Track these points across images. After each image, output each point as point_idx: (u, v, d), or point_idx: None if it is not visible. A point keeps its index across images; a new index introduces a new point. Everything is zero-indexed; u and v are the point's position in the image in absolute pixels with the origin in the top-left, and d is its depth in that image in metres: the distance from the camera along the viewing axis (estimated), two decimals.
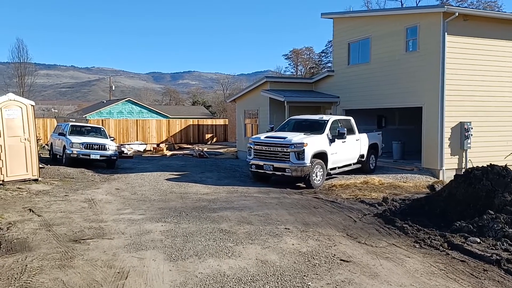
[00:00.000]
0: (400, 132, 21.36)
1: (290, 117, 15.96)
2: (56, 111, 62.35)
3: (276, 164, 13.47)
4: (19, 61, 38.45)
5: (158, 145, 32.56)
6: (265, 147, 13.74)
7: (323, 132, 14.20)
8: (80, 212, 9.43)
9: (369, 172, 16.28)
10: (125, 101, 54.13)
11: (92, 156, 17.26)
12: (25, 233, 7.64)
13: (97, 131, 19.61)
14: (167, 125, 35.50)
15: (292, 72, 68.70)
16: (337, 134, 14.29)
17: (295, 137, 13.57)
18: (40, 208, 9.74)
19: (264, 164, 13.69)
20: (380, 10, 18.30)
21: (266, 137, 14.04)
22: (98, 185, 13.36)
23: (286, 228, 7.88)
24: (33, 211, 9.39)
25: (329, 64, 66.85)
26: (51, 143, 20.68)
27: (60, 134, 18.64)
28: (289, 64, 72.00)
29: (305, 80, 23.89)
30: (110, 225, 8.23)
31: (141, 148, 30.93)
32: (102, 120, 34.04)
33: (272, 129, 15.52)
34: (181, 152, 29.10)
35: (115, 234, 7.51)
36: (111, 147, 17.77)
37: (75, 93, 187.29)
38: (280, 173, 13.47)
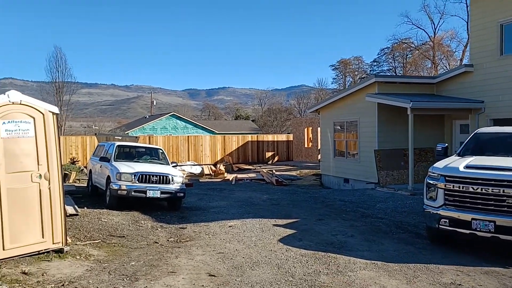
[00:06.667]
0: None
1: (476, 131, 9.27)
2: (97, 127, 57.35)
3: (502, 221, 6.77)
4: (56, 71, 33.06)
5: (215, 165, 26.25)
6: (474, 187, 7.06)
7: None
8: None
9: None
10: (170, 115, 48.47)
11: (150, 194, 10.80)
12: None
13: (152, 154, 13.15)
14: (223, 141, 29.19)
15: (340, 83, 61.99)
16: None
17: None
18: None
19: (473, 219, 7.01)
20: None
21: (468, 168, 7.36)
22: (170, 259, 6.96)
23: None
24: None
25: (381, 74, 59.75)
26: (90, 170, 14.49)
27: (102, 159, 12.21)
28: (336, 75, 65.16)
29: (425, 81, 17.16)
30: None
31: (196, 170, 24.56)
32: (149, 137, 28.07)
33: (445, 152, 8.87)
34: (245, 175, 22.66)
35: None
36: (177, 178, 11.28)
37: (115, 111, 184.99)
38: (508, 237, 6.77)
